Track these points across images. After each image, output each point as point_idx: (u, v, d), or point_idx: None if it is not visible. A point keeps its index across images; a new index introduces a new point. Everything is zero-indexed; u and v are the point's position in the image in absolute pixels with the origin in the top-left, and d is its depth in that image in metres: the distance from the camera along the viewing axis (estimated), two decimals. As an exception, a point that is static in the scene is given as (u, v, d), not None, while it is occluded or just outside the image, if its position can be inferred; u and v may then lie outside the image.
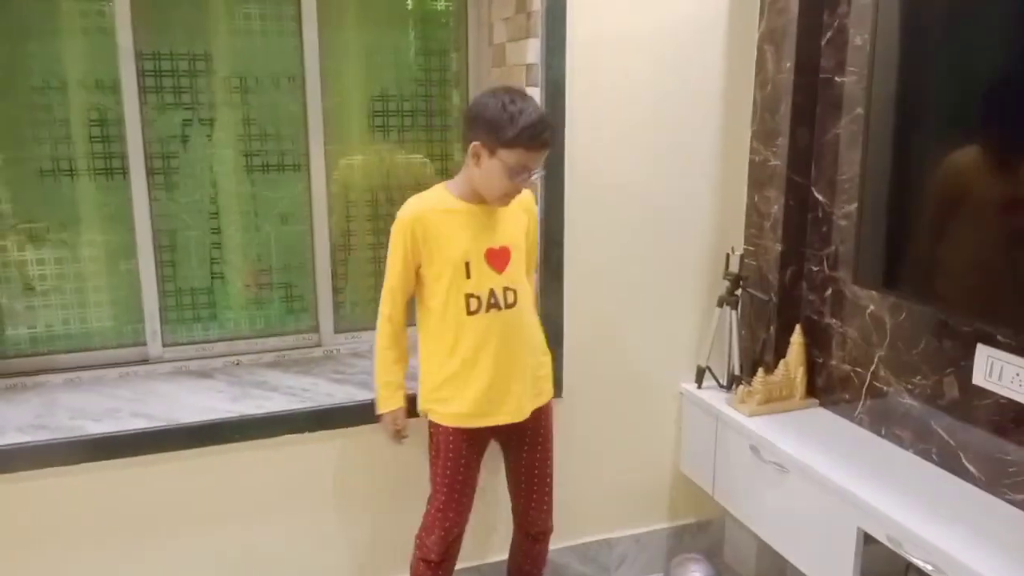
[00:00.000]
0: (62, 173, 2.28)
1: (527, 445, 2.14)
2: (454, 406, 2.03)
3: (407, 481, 2.31)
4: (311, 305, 2.57)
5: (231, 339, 2.50)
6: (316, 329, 2.57)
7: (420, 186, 2.14)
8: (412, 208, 1.98)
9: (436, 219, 1.96)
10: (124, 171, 2.31)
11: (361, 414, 2.19)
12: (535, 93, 2.23)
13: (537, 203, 2.23)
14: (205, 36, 2.34)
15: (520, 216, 2.05)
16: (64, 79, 2.23)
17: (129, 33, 2.22)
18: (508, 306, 1.99)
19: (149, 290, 2.38)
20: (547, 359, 2.16)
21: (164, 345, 2.44)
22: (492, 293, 1.97)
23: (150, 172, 2.33)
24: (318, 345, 2.56)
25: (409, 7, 2.58)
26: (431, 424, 2.08)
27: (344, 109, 2.50)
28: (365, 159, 2.58)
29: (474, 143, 1.88)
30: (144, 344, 2.42)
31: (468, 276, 1.96)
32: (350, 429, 2.22)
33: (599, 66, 2.24)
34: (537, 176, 1.97)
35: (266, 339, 2.53)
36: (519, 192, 1.95)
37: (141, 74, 2.26)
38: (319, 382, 2.34)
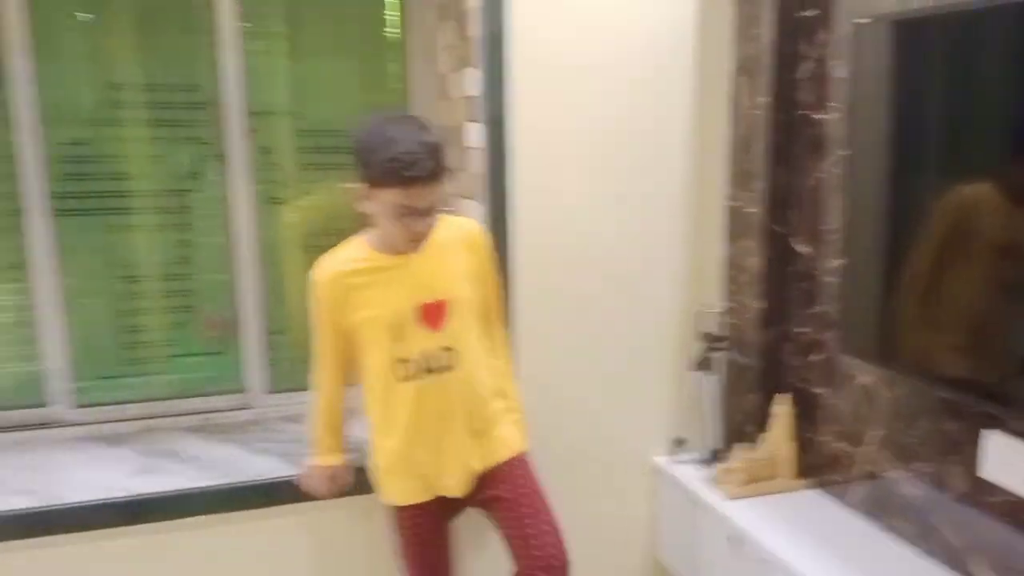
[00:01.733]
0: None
1: (507, 493, 1.83)
2: (393, 481, 1.82)
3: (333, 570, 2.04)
4: (239, 363, 2.31)
5: (149, 400, 2.25)
6: (244, 390, 2.31)
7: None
8: (324, 271, 1.77)
9: (356, 279, 1.74)
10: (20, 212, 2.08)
11: (278, 493, 1.94)
12: (476, 130, 1.99)
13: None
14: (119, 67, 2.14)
15: (459, 256, 1.78)
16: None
17: (24, 61, 2.02)
18: (444, 369, 1.74)
19: (54, 346, 2.15)
20: (505, 416, 1.87)
21: (78, 406, 2.20)
22: (425, 355, 1.73)
23: (55, 214, 2.11)
24: (247, 407, 2.31)
25: (356, 35, 2.35)
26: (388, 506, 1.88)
27: (273, 144, 2.27)
28: (306, 200, 2.34)
29: (358, 184, 1.67)
30: (51, 405, 2.17)
31: (398, 339, 1.72)
32: (265, 511, 1.95)
33: (548, 100, 2.00)
34: (436, 216, 1.69)
35: (189, 401, 2.28)
36: (420, 235, 1.68)
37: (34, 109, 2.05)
38: (238, 453, 2.08)
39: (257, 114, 2.22)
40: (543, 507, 1.85)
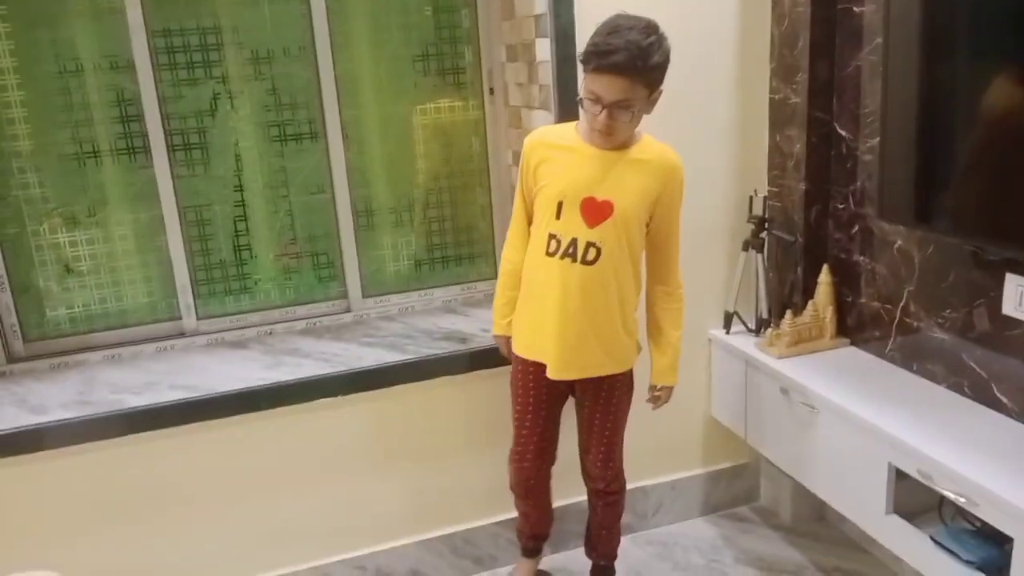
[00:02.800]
0: (87, 156, 2.31)
1: (589, 405, 2.08)
2: (516, 332, 2.06)
3: (448, 437, 2.38)
4: (339, 272, 2.60)
5: (263, 309, 2.55)
6: (345, 295, 2.60)
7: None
8: (534, 135, 1.95)
9: (551, 152, 1.89)
10: (147, 150, 2.34)
11: (391, 375, 2.24)
12: (544, 44, 2.21)
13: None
14: (216, 10, 2.35)
15: (647, 177, 1.87)
16: (80, 62, 2.26)
17: (139, 11, 2.23)
18: (585, 262, 1.86)
19: (180, 266, 2.43)
20: (625, 340, 2.00)
21: (199, 319, 2.49)
22: (573, 242, 1.86)
23: (171, 149, 2.36)
24: (348, 311, 2.60)
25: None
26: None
27: (358, 76, 2.50)
28: (387, 123, 2.58)
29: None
30: (179, 318, 2.47)
31: (557, 216, 1.87)
32: (381, 391, 2.26)
33: (609, 10, 2.19)
34: (625, 117, 1.76)
35: (297, 307, 2.57)
36: (603, 126, 1.77)
37: (154, 52, 2.28)
38: (350, 347, 2.37)
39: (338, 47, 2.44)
40: (620, 436, 2.12)
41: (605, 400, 2.07)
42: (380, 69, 2.53)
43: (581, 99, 1.79)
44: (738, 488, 2.74)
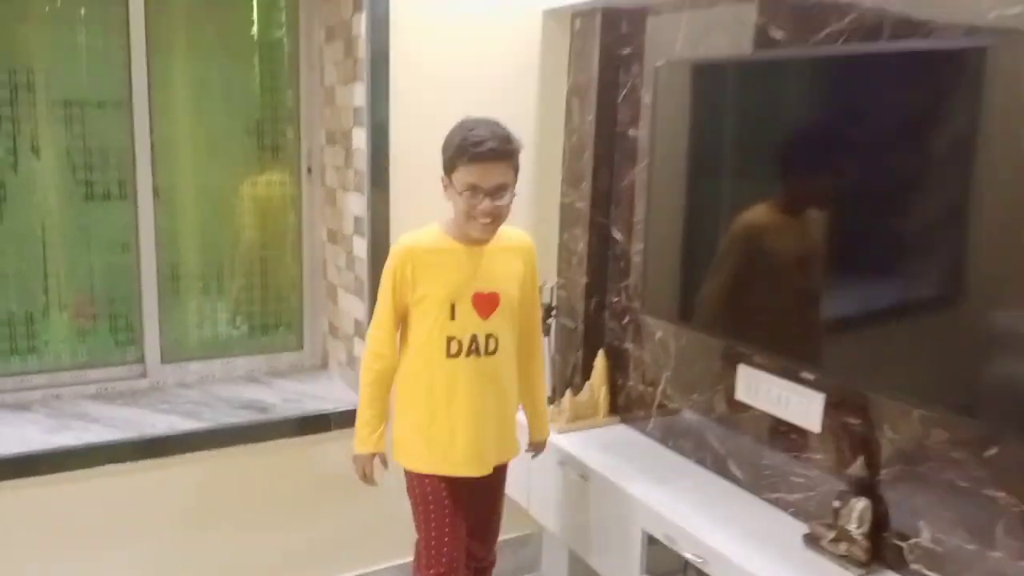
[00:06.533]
0: None
1: (482, 497, 2.11)
2: (420, 451, 2.00)
3: (249, 507, 2.40)
4: (137, 336, 2.57)
5: (52, 371, 2.46)
6: (142, 360, 2.57)
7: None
8: (404, 243, 1.95)
9: (427, 257, 1.93)
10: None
11: (186, 442, 2.25)
12: (361, 134, 2.38)
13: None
14: (28, 54, 2.32)
15: (514, 262, 2.01)
16: None
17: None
18: (488, 353, 1.96)
19: (-41, 320, 2.32)
20: (516, 420, 2.12)
21: (-21, 378, 2.37)
22: (474, 338, 1.94)
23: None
24: (144, 376, 2.57)
25: (246, 42, 2.65)
26: (405, 470, 2.04)
27: (177, 139, 2.54)
28: (202, 189, 2.63)
29: (442, 175, 1.89)
30: (-47, 377, 2.35)
31: (452, 318, 1.92)
32: (176, 457, 2.25)
33: (422, 111, 2.41)
34: (505, 200, 1.86)
35: (89, 371, 2.50)
36: (487, 215, 1.85)
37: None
38: (143, 412, 2.35)
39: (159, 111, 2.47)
40: (496, 522, 2.21)
41: (500, 484, 2.16)
42: (201, 135, 2.58)
43: (454, 194, 1.86)
44: (522, 558, 2.91)
